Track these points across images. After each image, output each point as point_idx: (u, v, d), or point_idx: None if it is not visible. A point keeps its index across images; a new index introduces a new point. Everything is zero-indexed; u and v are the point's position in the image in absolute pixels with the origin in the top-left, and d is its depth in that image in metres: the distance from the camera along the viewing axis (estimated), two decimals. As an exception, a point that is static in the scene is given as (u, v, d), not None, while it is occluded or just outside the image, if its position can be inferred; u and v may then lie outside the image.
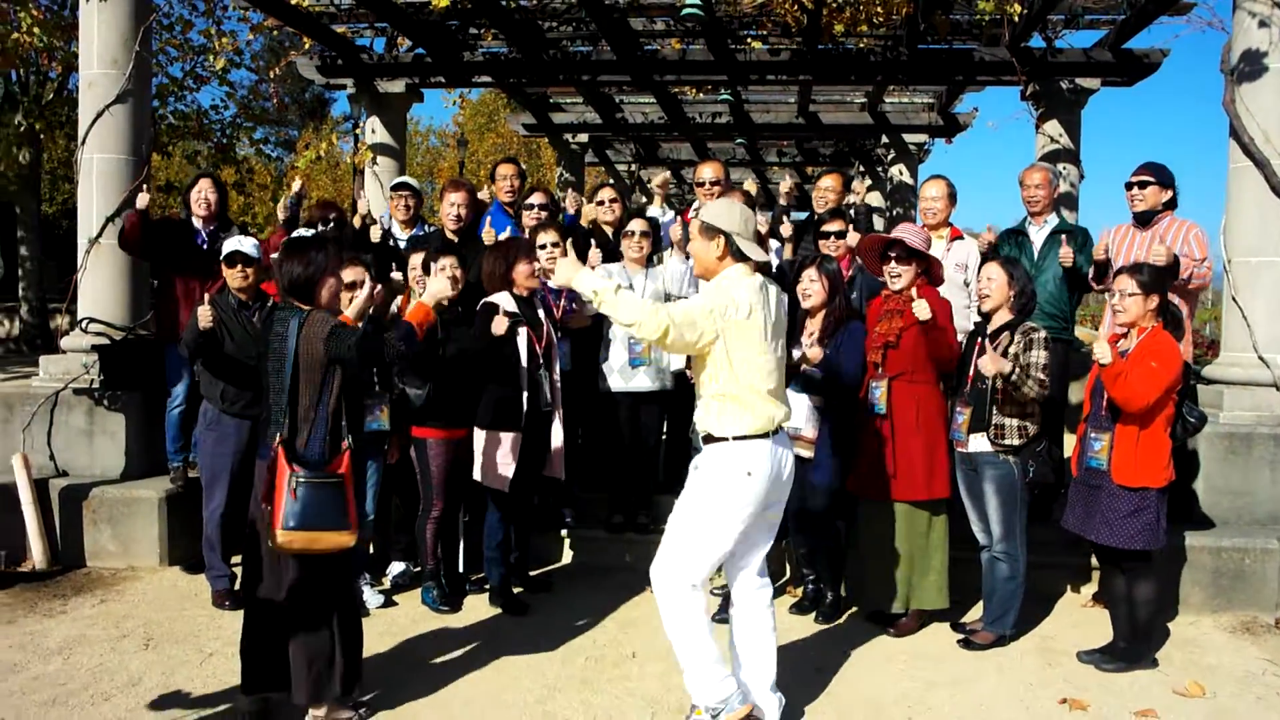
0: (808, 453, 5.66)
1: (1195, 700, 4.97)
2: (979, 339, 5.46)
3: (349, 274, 5.76)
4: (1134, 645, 5.40)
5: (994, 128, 57.82)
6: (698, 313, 4.09)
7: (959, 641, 5.59)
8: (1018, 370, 5.17)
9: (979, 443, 5.41)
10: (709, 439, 4.27)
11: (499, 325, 5.74)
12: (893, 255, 5.58)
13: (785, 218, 7.15)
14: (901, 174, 15.00)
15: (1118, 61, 9.84)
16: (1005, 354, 5.26)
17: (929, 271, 5.66)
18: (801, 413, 5.67)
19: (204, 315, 5.68)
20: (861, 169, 18.21)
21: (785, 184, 7.91)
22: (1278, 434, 6.41)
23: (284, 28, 10.50)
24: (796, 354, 5.69)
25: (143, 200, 6.82)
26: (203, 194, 6.88)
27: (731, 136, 15.93)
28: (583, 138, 15.64)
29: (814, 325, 5.78)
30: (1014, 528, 5.42)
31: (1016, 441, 5.32)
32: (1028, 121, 10.99)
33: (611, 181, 8.05)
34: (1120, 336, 5.34)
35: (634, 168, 19.15)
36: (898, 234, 5.64)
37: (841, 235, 6.40)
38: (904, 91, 13.80)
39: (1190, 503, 6.43)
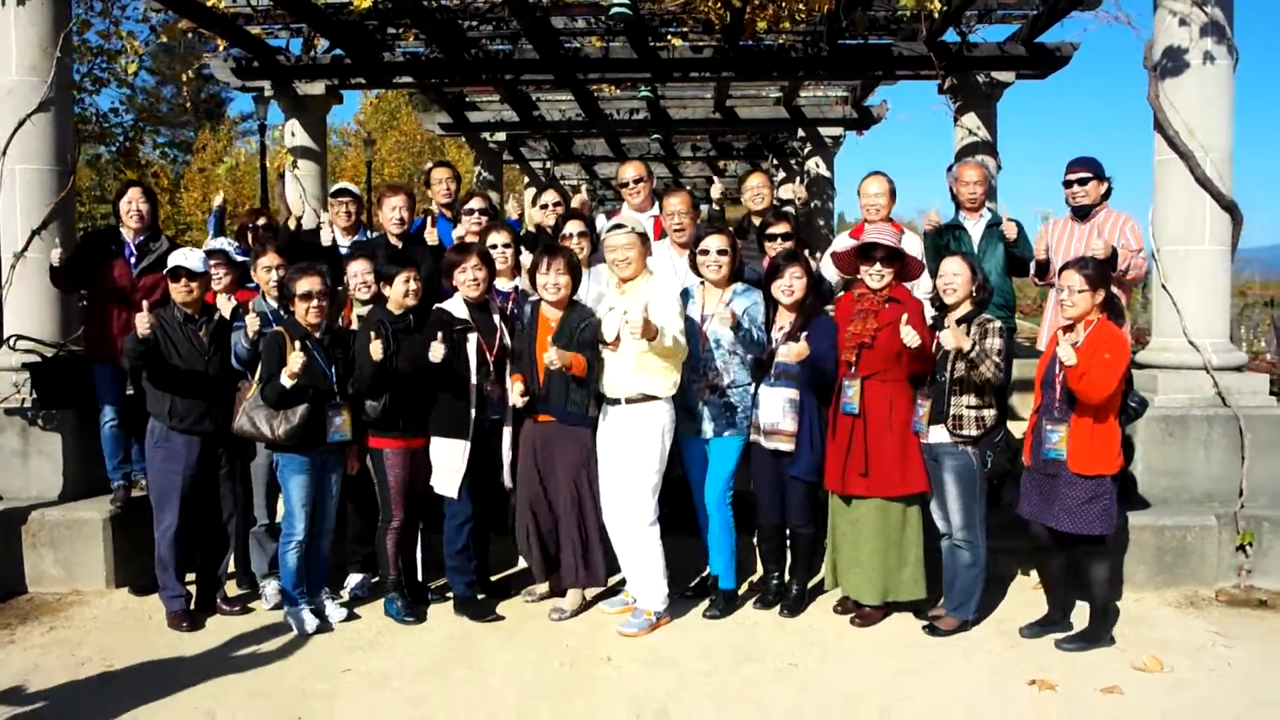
0: (788, 446, 5.73)
1: (1155, 675, 5.17)
2: (936, 332, 5.60)
3: (304, 284, 5.70)
4: (1094, 626, 5.59)
5: (904, 118, 58.77)
6: None
7: (924, 628, 5.72)
8: (977, 349, 5.31)
9: (938, 434, 5.55)
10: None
11: (435, 353, 5.69)
12: (877, 257, 5.67)
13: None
14: (818, 166, 15.23)
15: (1031, 55, 10.12)
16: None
17: (903, 269, 5.77)
18: (779, 406, 5.74)
19: (142, 322, 5.55)
20: (775, 162, 18.43)
21: (716, 189, 7.97)
22: (1210, 415, 6.68)
23: (184, 29, 10.19)
24: (771, 349, 5.76)
25: (55, 257, 6.53)
26: (133, 205, 6.65)
27: (647, 132, 16.00)
28: (500, 136, 15.55)
29: (786, 319, 5.84)
30: (974, 516, 5.57)
31: (974, 432, 5.47)
32: (938, 114, 11.27)
33: (555, 184, 8.02)
34: (1067, 329, 5.53)
35: (548, 165, 19.09)
36: (873, 236, 5.74)
37: (788, 237, 6.46)
38: (819, 86, 14.01)
39: (1131, 484, 6.66)
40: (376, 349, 5.63)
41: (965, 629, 5.70)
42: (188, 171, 29.78)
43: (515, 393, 5.91)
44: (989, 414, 5.50)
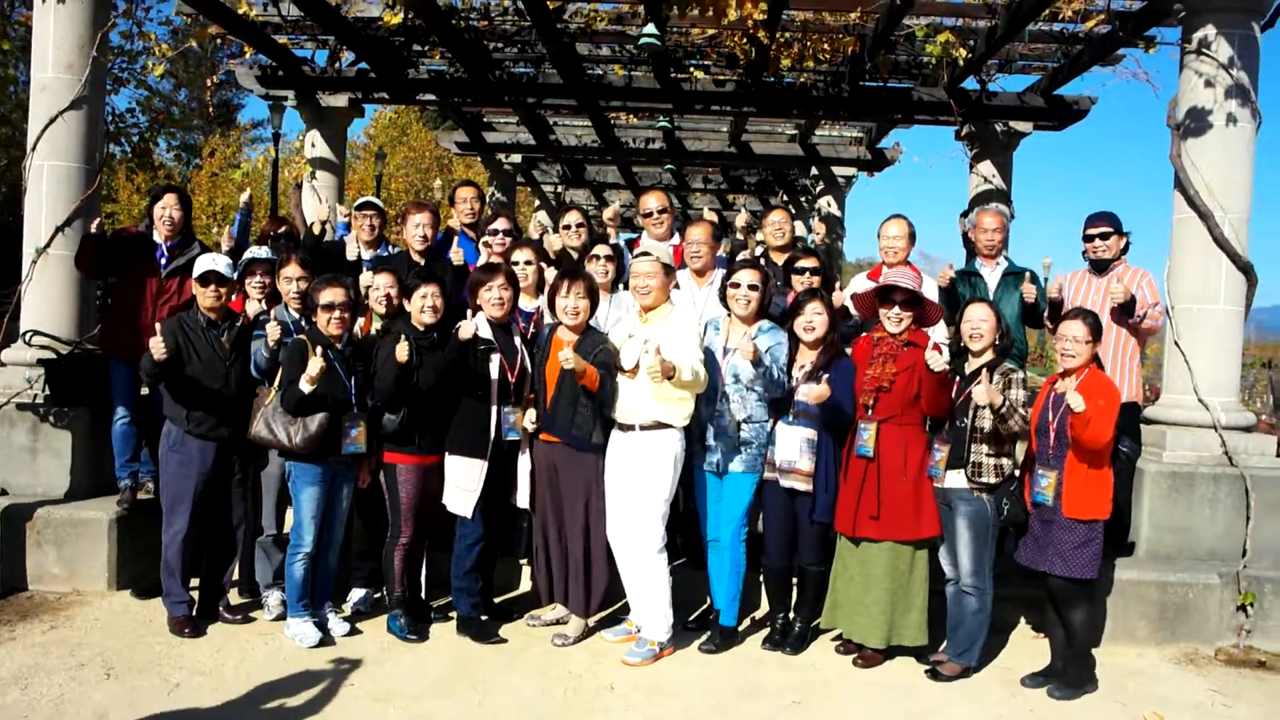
0: (804, 485, 5.74)
1: (1157, 731, 5.18)
2: (956, 377, 5.63)
3: (328, 295, 5.72)
4: (1076, 670, 5.64)
5: (930, 166, 58.97)
6: None
7: (926, 672, 5.72)
8: (1007, 404, 5.34)
9: (955, 479, 5.57)
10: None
11: (465, 329, 5.70)
12: (896, 300, 5.70)
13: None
14: (830, 205, 15.30)
15: (1050, 107, 10.20)
16: None
17: (922, 314, 5.81)
18: (795, 445, 5.75)
19: (157, 347, 5.53)
20: (785, 198, 18.51)
21: (741, 219, 8.01)
22: (1218, 474, 6.70)
23: (213, 34, 10.24)
24: (790, 387, 5.77)
25: (94, 226, 6.61)
26: (167, 210, 6.69)
27: (661, 162, 16.07)
28: (515, 158, 15.61)
29: (806, 358, 5.86)
30: (984, 563, 5.59)
31: (993, 480, 5.50)
32: (950, 158, 11.36)
33: (579, 206, 8.02)
34: (1059, 377, 5.60)
35: (560, 189, 19.15)
36: (894, 279, 5.78)
37: (816, 272, 6.50)
38: (834, 125, 14.09)
39: (1135, 539, 6.69)
40: (403, 350, 5.64)
41: (967, 675, 5.70)
42: (196, 175, 29.80)
43: (528, 418, 5.94)
44: (1007, 462, 5.54)
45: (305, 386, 5.52)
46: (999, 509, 5.57)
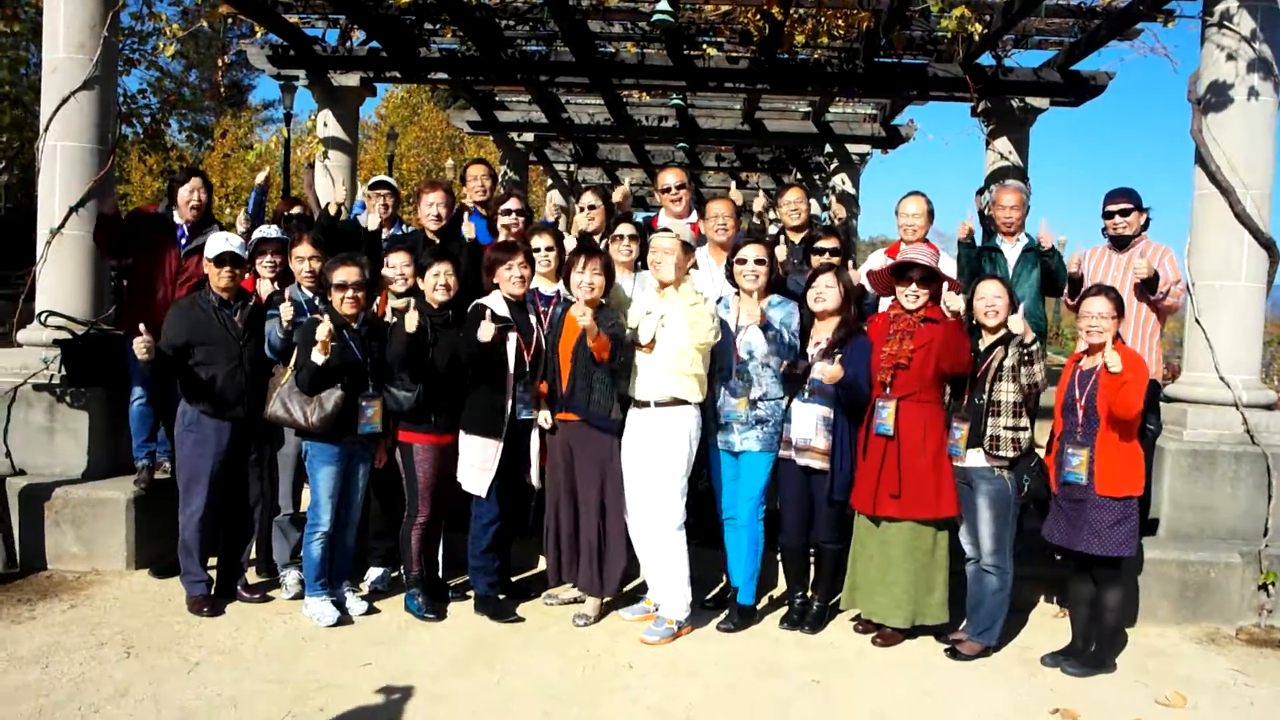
0: (820, 464, 5.72)
1: (1178, 710, 5.15)
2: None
3: (341, 274, 5.70)
4: (1100, 650, 5.61)
5: (946, 143, 58.48)
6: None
7: (945, 651, 5.70)
8: (1036, 346, 5.38)
9: (975, 457, 5.54)
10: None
11: (485, 331, 5.69)
12: (913, 277, 5.67)
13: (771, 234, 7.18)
14: (844, 183, 15.23)
15: (1066, 82, 10.15)
16: (1002, 366, 5.44)
17: (939, 290, 5.78)
18: (811, 423, 5.73)
19: (140, 348, 5.51)
20: (799, 176, 18.42)
21: (759, 202, 7.96)
22: (1239, 452, 6.66)
23: (224, 13, 10.21)
24: (806, 364, 5.75)
25: (110, 205, 6.63)
26: (195, 193, 6.73)
27: (674, 140, 16.01)
28: (528, 137, 15.56)
29: (822, 333, 5.83)
30: (1005, 541, 5.56)
31: (1012, 454, 5.47)
32: (966, 135, 11.30)
33: (594, 186, 7.96)
34: (1083, 355, 5.56)
35: (572, 168, 19.10)
36: (911, 256, 5.74)
37: (836, 253, 6.45)
38: (847, 103, 14.01)
39: (1157, 518, 6.65)
40: (412, 319, 5.63)
41: (987, 654, 5.68)
42: (208, 156, 29.80)
43: (543, 417, 6.01)
44: (1024, 436, 5.50)
45: (318, 357, 5.50)
46: (1020, 485, 5.53)
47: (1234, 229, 6.73)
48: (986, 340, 5.64)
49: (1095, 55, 9.63)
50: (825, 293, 5.78)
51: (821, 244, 6.52)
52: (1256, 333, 6.95)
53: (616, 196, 7.64)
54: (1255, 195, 6.72)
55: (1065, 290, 6.70)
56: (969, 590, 5.76)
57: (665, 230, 5.94)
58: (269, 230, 6.41)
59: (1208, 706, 5.22)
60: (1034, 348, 5.37)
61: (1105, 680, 5.49)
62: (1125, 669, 5.63)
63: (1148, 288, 6.28)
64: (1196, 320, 6.90)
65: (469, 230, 6.83)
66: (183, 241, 6.67)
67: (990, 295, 5.60)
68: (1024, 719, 5.00)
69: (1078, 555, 5.53)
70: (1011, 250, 6.92)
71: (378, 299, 6.35)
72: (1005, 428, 5.47)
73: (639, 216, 7.67)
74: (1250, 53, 6.65)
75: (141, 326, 5.58)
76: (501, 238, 6.66)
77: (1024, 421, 5.51)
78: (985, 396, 5.50)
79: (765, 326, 5.65)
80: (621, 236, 6.37)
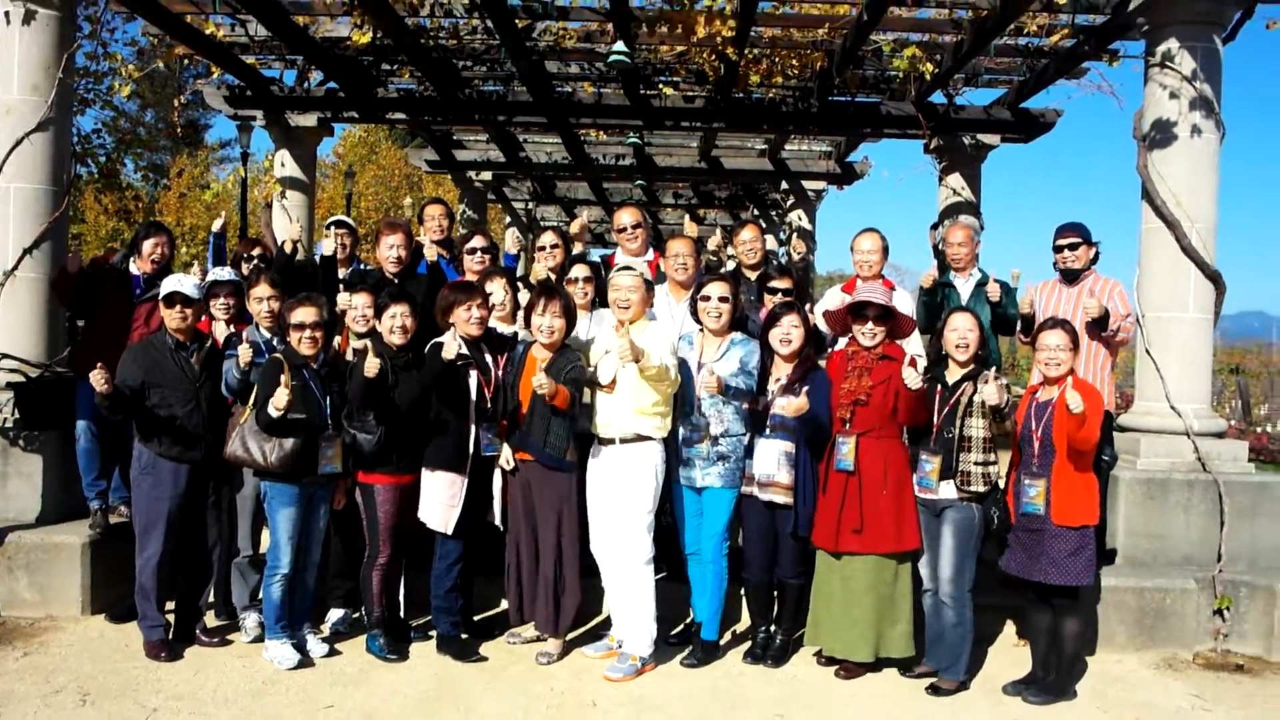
0: (784, 499, 5.75)
1: (1137, 737, 5.21)
2: (939, 387, 5.68)
3: (299, 315, 5.69)
4: (1059, 679, 5.67)
5: (900, 179, 57.94)
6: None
7: (927, 689, 5.68)
8: (1008, 401, 5.43)
9: (946, 489, 5.60)
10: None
11: (449, 349, 5.69)
12: (870, 315, 5.74)
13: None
14: (800, 219, 15.38)
15: (1016, 120, 10.31)
16: (971, 401, 5.51)
17: (895, 327, 5.84)
18: (774, 459, 5.77)
19: (97, 379, 5.43)
20: (755, 212, 18.58)
21: (714, 240, 8.03)
22: (1191, 480, 6.78)
23: (180, 54, 10.18)
24: (767, 401, 5.79)
25: (74, 263, 6.58)
26: (159, 248, 6.78)
27: (632, 178, 16.10)
28: (486, 175, 15.60)
29: (783, 371, 5.88)
30: (964, 573, 5.62)
31: (982, 488, 5.54)
32: (919, 172, 11.47)
33: (554, 227, 7.95)
34: (1039, 387, 5.65)
35: (530, 206, 19.15)
36: (866, 295, 5.81)
37: (789, 293, 6.50)
38: (803, 140, 14.18)
39: (1114, 548, 6.74)
40: (372, 366, 5.60)
41: (965, 689, 5.70)
42: (164, 196, 29.58)
43: (505, 455, 6.01)
44: (993, 470, 5.58)
45: (273, 412, 5.48)
46: (988, 518, 5.60)
47: (1181, 262, 6.88)
48: (955, 373, 5.71)
49: (1044, 93, 9.81)
50: (791, 333, 5.84)
51: (774, 284, 6.57)
52: (1205, 363, 7.10)
53: (574, 228, 7.70)
54: (1200, 229, 6.88)
55: (1019, 327, 6.80)
56: (928, 623, 5.81)
57: (628, 269, 5.99)
58: (221, 273, 6.38)
59: (1166, 733, 5.29)
60: (1006, 409, 5.46)
61: (1066, 708, 5.55)
62: (1085, 696, 5.69)
63: (1098, 325, 6.40)
64: (1147, 351, 7.04)
65: (431, 253, 6.84)
66: (137, 291, 6.65)
67: (962, 328, 5.68)
68: (986, 749, 5.04)
69: (1035, 585, 5.59)
70: (965, 285, 7.04)
71: (338, 339, 6.34)
72: (975, 463, 5.54)
73: (595, 254, 7.72)
74: (1192, 91, 6.84)
75: (99, 364, 5.51)
76: (469, 276, 6.68)
77: (993, 456, 5.59)
78: (955, 431, 5.56)
79: (724, 390, 5.70)
80: (576, 279, 6.41)
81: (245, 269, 6.87)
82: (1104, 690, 5.80)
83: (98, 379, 5.43)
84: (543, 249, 7.09)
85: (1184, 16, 6.89)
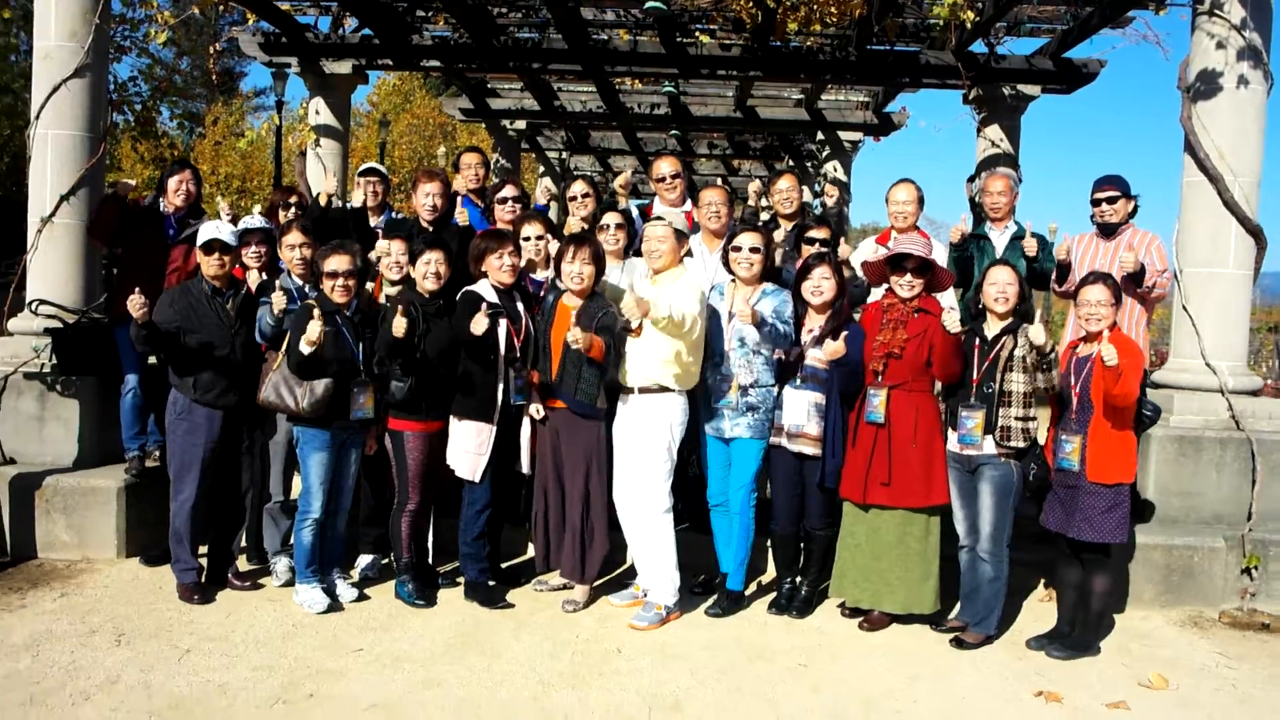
0: (812, 449, 5.75)
1: (1160, 692, 5.20)
2: (977, 341, 5.63)
3: (332, 263, 5.71)
4: (1084, 634, 5.66)
5: (938, 130, 57.21)
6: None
7: (951, 641, 5.69)
8: (1053, 352, 5.40)
9: (988, 445, 5.57)
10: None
11: (478, 325, 5.70)
12: (908, 267, 5.69)
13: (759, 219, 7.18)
14: (836, 170, 15.24)
15: (1058, 70, 10.13)
16: (1012, 355, 5.47)
17: (932, 279, 5.79)
18: (803, 409, 5.77)
19: (134, 305, 5.51)
20: (791, 163, 18.42)
21: (753, 188, 7.96)
22: (1224, 438, 6.70)
23: (204, 2, 10.19)
24: (799, 351, 5.77)
25: (125, 188, 6.62)
26: (184, 184, 6.77)
27: (666, 128, 15.99)
28: (520, 124, 15.54)
29: (815, 322, 5.85)
30: (1004, 530, 5.60)
31: (1022, 444, 5.51)
32: (958, 122, 11.29)
33: (584, 175, 7.86)
34: (1080, 341, 5.58)
35: (564, 155, 19.08)
36: (906, 247, 5.75)
37: (826, 243, 6.46)
38: (840, 90, 14.01)
39: (1142, 502, 6.69)
40: (399, 325, 5.63)
41: (989, 643, 5.70)
42: (199, 144, 29.72)
43: (534, 408, 6.04)
44: (1033, 425, 5.55)
45: (304, 348, 5.52)
46: (1026, 474, 5.57)
47: (1222, 216, 6.76)
48: (993, 327, 5.65)
49: (1087, 43, 9.61)
50: (822, 284, 5.81)
51: (812, 234, 6.54)
52: (1243, 319, 7.00)
53: (618, 183, 7.65)
54: (1244, 183, 6.75)
55: (1054, 277, 6.71)
56: (962, 577, 5.80)
57: (659, 219, 5.97)
58: (253, 220, 6.41)
59: (1190, 689, 5.27)
60: (1051, 356, 5.39)
61: (1089, 663, 5.53)
62: (1109, 652, 5.68)
63: (1134, 281, 6.31)
64: (1184, 307, 6.94)
65: (462, 218, 6.85)
66: (170, 231, 6.68)
67: (1002, 281, 5.61)
68: (1009, 701, 5.04)
69: (1069, 540, 5.57)
70: (1000, 237, 6.94)
71: (371, 285, 6.37)
72: (1016, 418, 5.51)
73: (634, 204, 7.69)
74: (1240, 41, 6.68)
75: (137, 290, 5.56)
76: (499, 225, 6.67)
77: (1033, 411, 5.56)
78: (996, 386, 5.53)
79: (760, 324, 5.66)
80: (608, 226, 6.39)
81: (282, 216, 6.87)
82: (1128, 646, 5.78)
83: (135, 304, 5.49)
84: (574, 199, 7.06)
85: (1235, -39, 6.71)
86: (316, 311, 5.55)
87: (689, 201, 7.08)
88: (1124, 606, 6.34)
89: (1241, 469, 6.69)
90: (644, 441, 5.83)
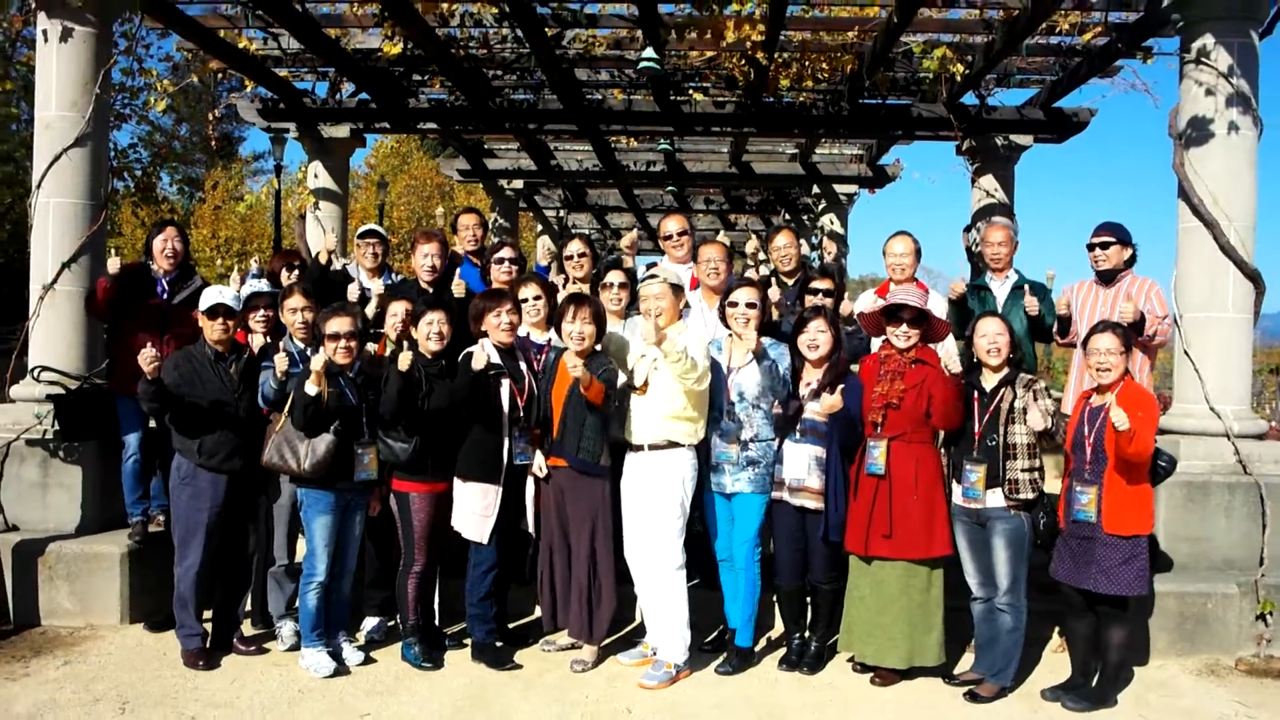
0: (815, 503, 5.73)
1: (1180, 743, 5.14)
2: (976, 393, 5.63)
3: (334, 325, 5.73)
4: (1102, 686, 5.59)
5: (932, 181, 57.28)
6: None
7: (965, 695, 5.63)
8: (1056, 423, 5.43)
9: (993, 498, 5.55)
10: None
11: (478, 359, 5.71)
12: (904, 318, 5.71)
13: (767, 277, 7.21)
14: (832, 223, 15.33)
15: (1049, 120, 10.23)
16: (1013, 408, 5.46)
17: (929, 330, 5.80)
18: (804, 463, 5.75)
19: (146, 360, 5.51)
20: (787, 217, 18.53)
21: (751, 245, 8.00)
22: (1231, 482, 6.68)
23: (214, 68, 10.32)
24: (797, 404, 5.77)
25: (113, 265, 6.62)
26: (169, 243, 6.74)
27: (662, 184, 16.11)
28: (517, 184, 15.65)
29: (813, 375, 5.86)
30: (1021, 580, 5.57)
31: (1030, 495, 5.50)
32: (952, 173, 11.39)
33: (580, 235, 7.90)
34: (1092, 393, 5.58)
35: (562, 213, 19.20)
36: (901, 297, 5.77)
37: (829, 294, 6.49)
38: (834, 144, 14.14)
39: (1159, 553, 6.65)
40: (405, 359, 5.65)
41: (1004, 695, 5.64)
42: (199, 209, 29.92)
43: (537, 463, 6.03)
44: (1039, 476, 5.53)
45: (310, 389, 5.53)
46: (1036, 524, 5.55)
47: (1219, 261, 6.80)
48: (990, 379, 5.67)
49: (1077, 92, 9.74)
50: (818, 338, 5.82)
51: (816, 285, 6.57)
52: (1245, 363, 7.00)
53: (624, 243, 7.68)
54: (1239, 227, 6.80)
55: (1055, 329, 6.73)
56: (977, 629, 5.75)
57: (652, 276, 5.99)
58: (259, 285, 6.44)
59: (1210, 739, 5.21)
60: (1038, 385, 5.40)
61: (1107, 715, 5.47)
62: (1126, 703, 5.62)
63: (1135, 329, 6.32)
64: (1185, 352, 6.95)
65: (459, 289, 6.85)
66: (161, 294, 6.69)
67: (991, 333, 5.63)
68: (1026, 756, 4.99)
69: (1082, 591, 5.52)
70: (1000, 287, 6.98)
71: (372, 346, 6.38)
72: (1023, 470, 5.50)
73: (641, 262, 7.71)
74: (1228, 88, 6.76)
75: (150, 343, 5.59)
76: (496, 285, 6.70)
77: (1038, 462, 5.55)
78: (999, 439, 5.52)
79: (760, 356, 5.67)
80: (611, 285, 6.42)
81: (285, 279, 6.88)
82: (1145, 697, 5.72)
83: (145, 358, 5.49)
84: (569, 258, 7.08)
85: (1219, 12, 6.82)
86: (320, 358, 5.56)
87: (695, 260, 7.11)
88: (1140, 657, 6.26)
89: (1250, 513, 6.66)
90: (656, 498, 5.81)
